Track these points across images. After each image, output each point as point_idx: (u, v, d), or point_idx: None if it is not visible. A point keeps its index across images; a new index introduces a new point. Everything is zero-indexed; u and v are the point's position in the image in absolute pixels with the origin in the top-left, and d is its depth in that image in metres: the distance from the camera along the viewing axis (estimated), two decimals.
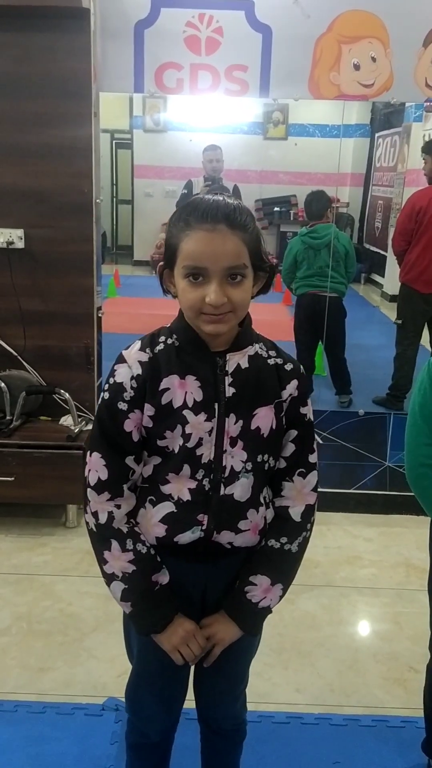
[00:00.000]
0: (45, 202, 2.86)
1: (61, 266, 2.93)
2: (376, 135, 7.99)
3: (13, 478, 2.79)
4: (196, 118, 7.07)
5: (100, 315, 3.00)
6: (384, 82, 2.78)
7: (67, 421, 3.00)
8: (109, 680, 2.05)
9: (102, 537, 1.23)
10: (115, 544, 1.22)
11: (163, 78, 2.76)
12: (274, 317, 5.99)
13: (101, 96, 2.80)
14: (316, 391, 4.08)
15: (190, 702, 1.50)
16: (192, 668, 1.38)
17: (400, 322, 4.10)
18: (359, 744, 1.87)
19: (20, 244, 2.91)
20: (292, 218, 8.45)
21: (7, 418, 2.95)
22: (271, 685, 2.09)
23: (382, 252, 7.43)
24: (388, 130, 7.64)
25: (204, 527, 1.22)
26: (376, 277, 7.84)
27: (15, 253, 2.92)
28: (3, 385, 2.94)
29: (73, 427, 2.92)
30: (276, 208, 8.38)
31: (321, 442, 3.14)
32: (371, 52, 2.75)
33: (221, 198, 1.14)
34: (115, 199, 9.22)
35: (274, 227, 8.42)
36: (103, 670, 2.11)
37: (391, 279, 7.13)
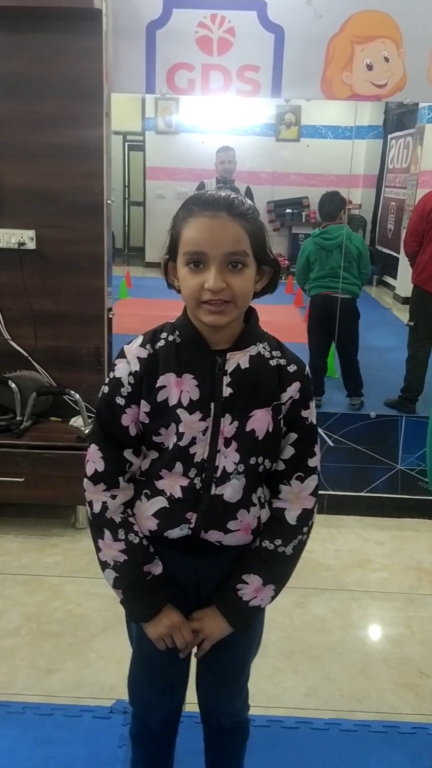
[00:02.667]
0: (56, 202, 2.86)
1: (72, 267, 2.93)
2: (389, 136, 7.95)
3: (23, 479, 2.79)
4: (208, 119, 7.08)
5: (110, 316, 3.00)
6: (397, 83, 2.76)
7: (77, 422, 3.00)
8: (117, 682, 2.04)
9: (96, 526, 1.27)
10: (107, 533, 1.25)
11: (175, 78, 2.76)
12: (285, 319, 5.98)
13: (113, 98, 2.80)
14: (328, 393, 4.06)
15: (195, 705, 1.49)
16: (194, 662, 1.39)
17: (412, 324, 4.08)
18: (369, 750, 1.85)
19: (31, 245, 2.91)
20: (304, 220, 8.42)
21: (18, 418, 2.95)
22: (281, 689, 2.07)
23: (395, 254, 7.39)
24: (401, 132, 7.60)
25: (192, 525, 1.24)
26: (389, 279, 7.80)
27: (26, 254, 2.92)
28: (13, 385, 2.94)
29: (83, 428, 2.92)
30: (288, 210, 8.37)
31: (332, 444, 3.12)
32: (384, 52, 2.73)
33: (224, 191, 1.16)
34: (127, 201, 9.23)
35: (285, 229, 8.40)
36: (111, 672, 2.10)
37: (404, 281, 7.08)
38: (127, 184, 9.28)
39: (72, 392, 2.96)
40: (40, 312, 2.98)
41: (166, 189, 8.08)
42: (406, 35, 2.70)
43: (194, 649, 1.34)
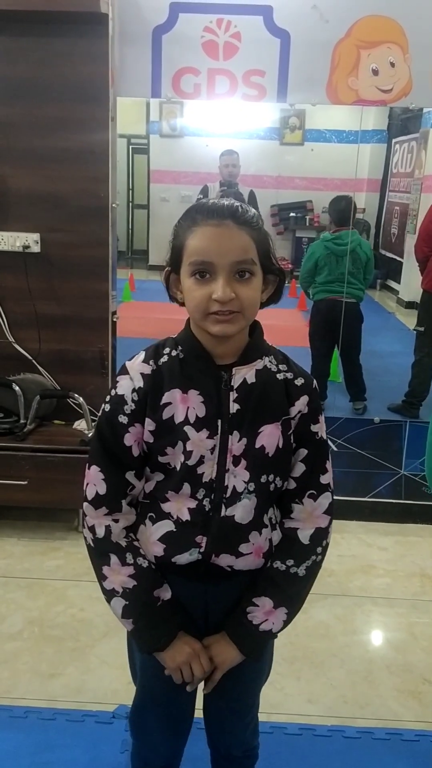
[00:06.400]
0: (61, 206, 2.86)
1: (76, 270, 2.93)
2: (393, 141, 7.96)
3: (26, 482, 2.79)
4: (212, 123, 7.08)
5: (114, 319, 2.99)
6: (403, 87, 2.76)
7: (80, 425, 3.00)
8: (120, 687, 2.04)
9: (100, 552, 1.19)
10: (114, 558, 1.18)
11: (181, 83, 2.76)
12: (289, 323, 5.97)
13: (118, 101, 2.80)
14: (331, 398, 4.05)
15: (198, 711, 1.48)
16: (200, 692, 1.32)
17: (422, 329, 4.05)
18: (373, 757, 1.84)
19: (36, 248, 2.91)
20: (307, 224, 8.43)
21: (21, 421, 2.95)
22: (284, 696, 2.06)
23: (398, 258, 7.39)
24: (406, 136, 7.61)
25: (202, 549, 1.17)
26: (392, 284, 7.80)
27: (31, 257, 2.92)
28: (17, 388, 2.94)
29: (86, 432, 2.92)
30: (292, 214, 8.37)
31: (335, 449, 3.12)
32: (390, 57, 2.72)
33: (227, 200, 1.12)
34: (131, 204, 9.25)
35: (289, 233, 8.41)
36: (114, 676, 2.09)
37: (407, 285, 7.09)
38: (131, 187, 9.29)
39: (76, 395, 2.96)
40: (44, 315, 2.98)
41: (170, 192, 8.09)
42: (412, 40, 2.70)
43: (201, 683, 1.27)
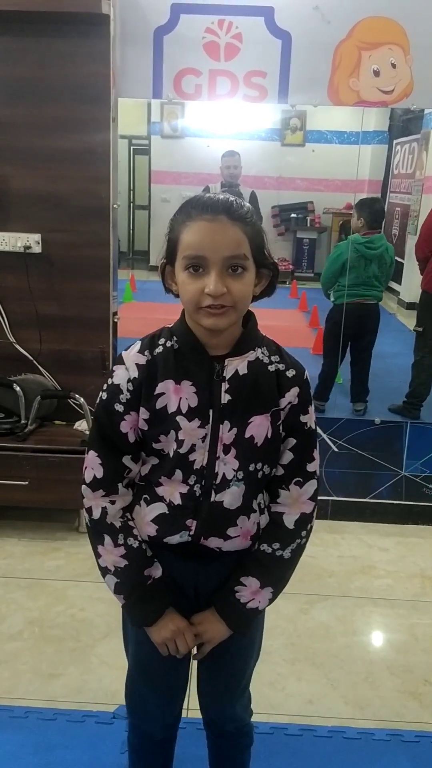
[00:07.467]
0: (62, 206, 2.86)
1: (77, 271, 2.93)
2: (395, 142, 7.96)
3: (27, 482, 2.79)
4: (213, 124, 7.09)
5: (115, 320, 3.00)
6: (404, 89, 2.76)
7: (81, 425, 3.00)
8: (120, 688, 2.00)
9: (96, 532, 1.26)
10: (107, 539, 1.24)
11: (182, 84, 2.76)
12: (290, 323, 5.98)
13: (120, 102, 2.80)
14: (332, 398, 4.05)
15: (198, 711, 1.48)
16: (194, 667, 1.39)
17: (420, 329, 4.05)
18: (373, 758, 1.84)
19: (37, 249, 2.91)
20: (308, 224, 8.44)
21: (22, 422, 2.95)
22: (284, 696, 2.06)
23: (400, 259, 7.37)
24: (407, 137, 7.61)
25: (192, 532, 1.24)
26: (393, 284, 7.79)
27: (32, 258, 2.92)
28: (18, 389, 2.95)
29: (87, 432, 2.92)
30: (293, 215, 8.38)
31: (336, 450, 3.11)
32: (391, 59, 2.73)
33: (222, 195, 1.15)
34: (132, 205, 9.27)
35: (290, 233, 8.41)
36: (114, 677, 2.09)
37: (408, 286, 7.09)
38: (132, 188, 9.31)
39: (76, 396, 2.96)
40: (45, 316, 2.98)
41: (171, 193, 8.10)
42: (414, 41, 2.70)
43: (193, 650, 1.34)
